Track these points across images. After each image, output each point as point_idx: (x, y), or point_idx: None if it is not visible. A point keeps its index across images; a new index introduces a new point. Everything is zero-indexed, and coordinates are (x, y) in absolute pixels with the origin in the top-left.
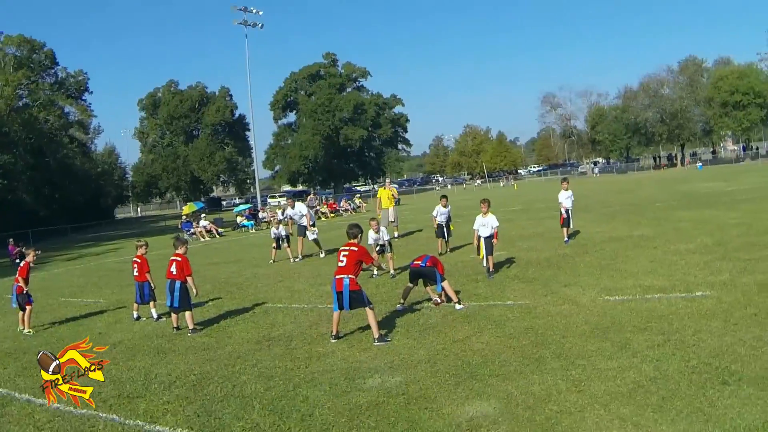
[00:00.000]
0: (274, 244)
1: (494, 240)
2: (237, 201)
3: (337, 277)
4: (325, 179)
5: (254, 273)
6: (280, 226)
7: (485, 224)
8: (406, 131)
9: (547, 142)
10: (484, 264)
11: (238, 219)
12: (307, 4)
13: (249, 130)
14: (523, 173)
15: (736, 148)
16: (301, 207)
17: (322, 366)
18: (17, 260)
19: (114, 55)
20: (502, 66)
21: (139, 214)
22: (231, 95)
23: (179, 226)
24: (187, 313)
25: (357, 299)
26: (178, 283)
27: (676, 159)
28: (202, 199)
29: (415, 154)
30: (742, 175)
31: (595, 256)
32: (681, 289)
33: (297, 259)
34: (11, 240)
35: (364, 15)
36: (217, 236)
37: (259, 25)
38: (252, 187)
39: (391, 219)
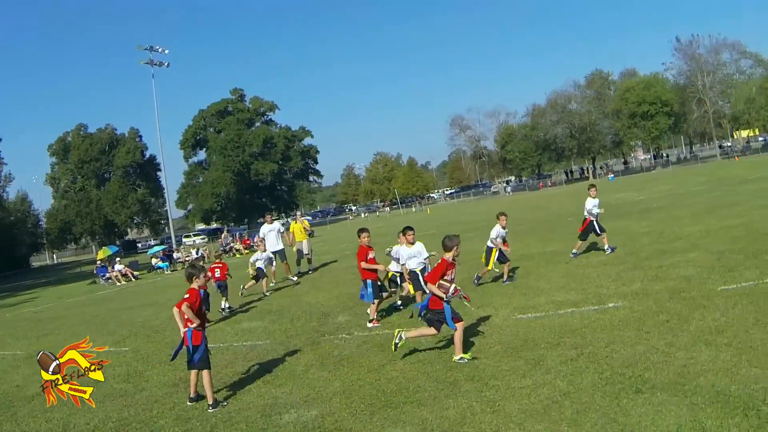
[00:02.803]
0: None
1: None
2: (152, 242)
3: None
4: (238, 215)
5: (170, 315)
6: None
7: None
8: (316, 162)
9: (458, 164)
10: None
11: (153, 261)
12: (212, 39)
13: (160, 170)
14: (435, 196)
15: (647, 157)
16: (277, 225)
17: (239, 405)
18: None
19: (21, 100)
20: (410, 91)
21: (55, 261)
22: (141, 136)
23: (94, 272)
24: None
25: None
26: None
27: (588, 172)
28: (117, 242)
29: (327, 184)
30: (653, 184)
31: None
32: (593, 301)
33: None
34: None
35: (269, 45)
36: (133, 279)
37: (166, 63)
38: (166, 228)
39: (306, 252)
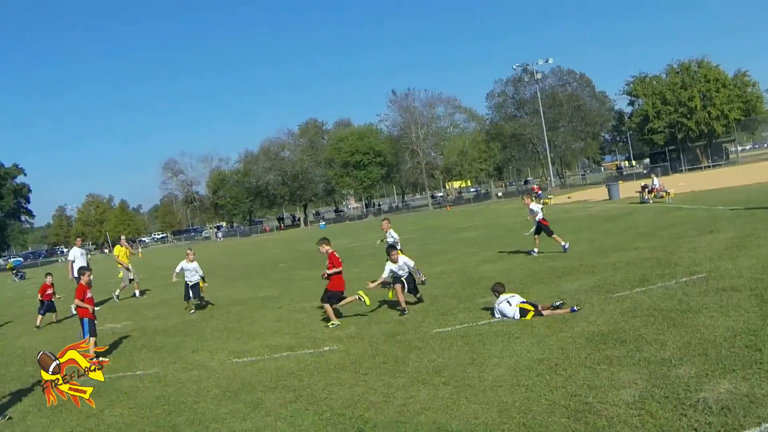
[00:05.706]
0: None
1: None
2: None
3: None
4: None
5: None
6: None
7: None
8: (28, 202)
9: (169, 209)
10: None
11: None
12: None
13: None
14: (147, 240)
15: (358, 205)
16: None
17: None
18: None
19: None
20: (123, 132)
21: None
22: None
23: None
24: None
25: None
26: None
27: (299, 219)
28: None
29: (38, 225)
30: (365, 231)
31: (221, 320)
32: (308, 345)
33: None
34: None
35: None
36: None
37: None
38: None
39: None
